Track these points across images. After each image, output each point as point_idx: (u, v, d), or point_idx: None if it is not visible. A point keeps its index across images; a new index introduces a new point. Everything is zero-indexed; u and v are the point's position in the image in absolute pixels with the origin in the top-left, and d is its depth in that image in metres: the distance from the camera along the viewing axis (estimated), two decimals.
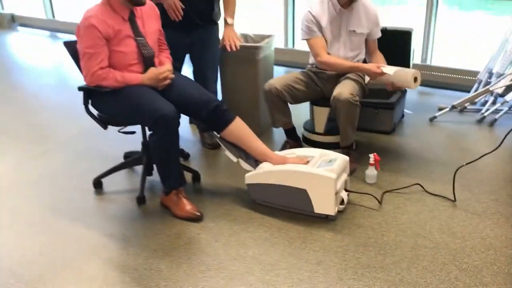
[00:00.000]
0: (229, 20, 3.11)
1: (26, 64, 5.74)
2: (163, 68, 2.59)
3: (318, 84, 3.05)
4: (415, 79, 2.72)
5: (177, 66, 3.00)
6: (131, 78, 2.49)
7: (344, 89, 2.76)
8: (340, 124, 2.86)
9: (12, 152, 3.40)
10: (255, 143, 2.60)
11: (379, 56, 3.08)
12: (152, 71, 2.55)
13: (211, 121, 2.58)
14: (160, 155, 2.48)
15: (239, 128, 2.59)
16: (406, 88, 2.84)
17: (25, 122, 3.94)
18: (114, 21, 2.45)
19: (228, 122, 2.57)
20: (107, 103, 2.53)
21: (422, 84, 4.37)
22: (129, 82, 2.49)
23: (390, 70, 2.79)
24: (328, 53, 2.96)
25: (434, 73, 4.34)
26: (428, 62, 4.44)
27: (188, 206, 2.54)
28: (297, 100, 3.02)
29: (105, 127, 2.65)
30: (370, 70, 2.83)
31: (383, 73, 2.78)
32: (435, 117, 3.67)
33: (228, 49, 3.09)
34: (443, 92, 4.30)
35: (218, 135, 2.65)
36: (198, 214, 2.52)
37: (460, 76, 4.23)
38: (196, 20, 3.03)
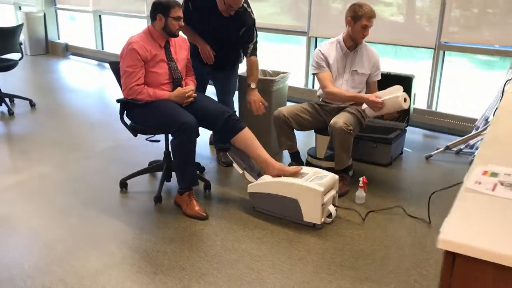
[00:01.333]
0: (252, 85, 3.42)
1: (75, 87, 6.43)
2: (188, 88, 3.10)
3: (321, 115, 3.48)
4: (405, 99, 3.12)
5: (201, 88, 3.50)
6: (161, 94, 3.00)
7: (340, 119, 3.18)
8: (335, 150, 3.26)
9: (56, 157, 3.93)
10: (259, 151, 3.03)
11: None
12: (178, 90, 3.06)
13: (225, 128, 3.05)
14: (180, 157, 2.95)
15: (247, 136, 3.06)
16: (401, 109, 3.22)
17: (68, 134, 4.51)
18: (152, 47, 2.99)
19: (239, 129, 3.04)
20: (139, 114, 3.04)
21: (426, 128, 4.77)
22: (159, 97, 2.99)
23: (384, 94, 3.20)
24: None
25: (438, 118, 4.69)
26: (433, 108, 4.81)
27: (196, 207, 2.97)
28: (302, 127, 3.45)
29: (135, 135, 3.15)
30: (368, 99, 3.22)
31: (381, 103, 3.17)
32: (431, 155, 4.01)
33: (255, 113, 3.41)
34: (445, 136, 4.63)
35: (230, 146, 3.11)
36: (204, 214, 2.95)
37: (462, 123, 4.57)
38: (222, 66, 3.60)
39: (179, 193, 3.03)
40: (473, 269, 1.02)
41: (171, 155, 3.03)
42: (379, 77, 3.52)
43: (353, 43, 3.38)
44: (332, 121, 3.20)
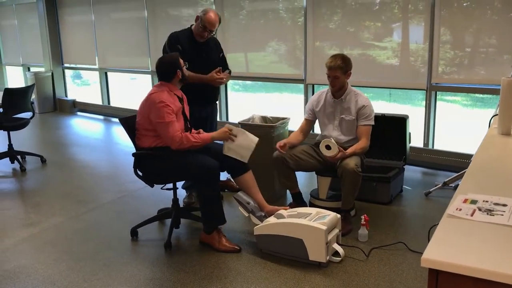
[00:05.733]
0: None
1: (83, 141, 6.66)
2: (226, 126, 3.35)
3: (320, 156, 3.63)
4: (328, 147, 3.36)
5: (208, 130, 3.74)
6: (205, 137, 3.23)
7: (351, 161, 3.34)
8: (344, 191, 3.40)
9: (68, 209, 4.08)
10: (257, 194, 3.41)
11: (358, 143, 3.51)
12: (220, 129, 3.34)
13: (234, 166, 3.35)
14: (210, 199, 3.13)
15: (250, 178, 3.41)
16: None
17: (78, 186, 4.68)
18: (174, 100, 3.22)
19: (245, 170, 3.39)
20: (159, 165, 3.19)
21: (424, 165, 4.90)
22: (205, 140, 3.21)
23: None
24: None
25: (435, 156, 4.85)
26: (429, 146, 4.97)
27: (228, 242, 3.20)
28: (299, 168, 3.60)
29: (152, 185, 3.34)
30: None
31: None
32: (430, 192, 4.14)
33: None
34: (443, 172, 4.77)
35: (236, 192, 3.30)
36: (238, 248, 3.18)
37: (458, 159, 4.71)
38: (207, 99, 3.93)
39: (207, 232, 3.21)
40: (456, 285, 1.15)
41: (199, 200, 3.24)
42: (368, 123, 3.55)
43: (336, 92, 3.59)
44: (343, 162, 3.35)
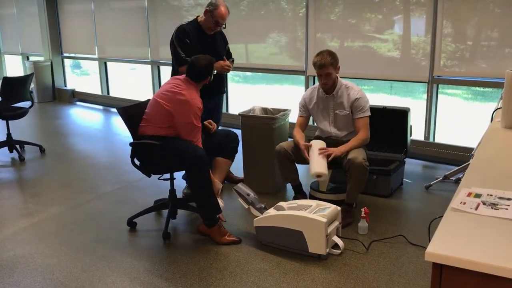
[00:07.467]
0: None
1: (82, 131, 6.63)
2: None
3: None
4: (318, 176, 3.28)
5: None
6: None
7: (358, 155, 3.31)
8: (350, 184, 3.37)
9: (67, 199, 4.07)
10: (220, 175, 3.64)
11: (357, 136, 3.50)
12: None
13: (230, 148, 3.63)
14: (206, 189, 3.11)
15: (226, 164, 3.70)
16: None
17: (78, 177, 4.66)
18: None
19: (229, 156, 3.67)
20: (159, 156, 3.17)
21: (425, 159, 4.89)
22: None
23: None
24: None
25: (436, 149, 4.83)
26: (430, 140, 4.96)
27: (228, 235, 3.19)
28: (301, 161, 3.57)
29: (149, 176, 3.32)
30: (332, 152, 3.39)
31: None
32: (430, 185, 4.12)
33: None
34: (444, 166, 4.75)
35: (236, 184, 3.32)
36: (238, 239, 3.18)
37: (459, 152, 4.70)
38: (213, 90, 3.92)
39: (208, 226, 3.20)
40: (460, 279, 1.14)
41: (193, 191, 3.23)
42: (365, 115, 3.52)
43: (328, 89, 3.55)
44: (351, 156, 3.31)
